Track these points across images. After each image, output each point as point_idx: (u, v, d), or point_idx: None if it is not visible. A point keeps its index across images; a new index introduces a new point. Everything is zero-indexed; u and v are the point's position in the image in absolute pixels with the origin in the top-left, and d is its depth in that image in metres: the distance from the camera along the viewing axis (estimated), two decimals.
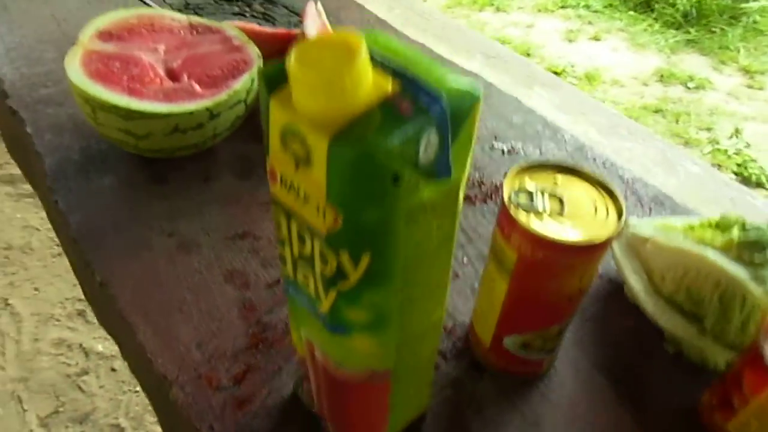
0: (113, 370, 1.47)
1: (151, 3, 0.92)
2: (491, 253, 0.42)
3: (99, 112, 0.56)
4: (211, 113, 0.59)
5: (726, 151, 2.15)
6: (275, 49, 0.73)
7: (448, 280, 0.34)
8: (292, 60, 0.24)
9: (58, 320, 1.58)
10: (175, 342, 0.49)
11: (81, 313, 1.58)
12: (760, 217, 0.61)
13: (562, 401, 0.46)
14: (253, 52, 0.65)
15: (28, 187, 1.67)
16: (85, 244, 0.56)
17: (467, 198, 0.64)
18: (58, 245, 1.74)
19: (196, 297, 0.52)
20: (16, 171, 1.61)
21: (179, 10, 0.94)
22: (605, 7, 3.06)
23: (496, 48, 1.75)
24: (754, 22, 2.85)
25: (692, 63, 2.65)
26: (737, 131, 2.23)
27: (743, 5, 2.88)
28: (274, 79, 0.27)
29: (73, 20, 0.90)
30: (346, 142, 0.24)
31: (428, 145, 0.26)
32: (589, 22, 2.92)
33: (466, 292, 0.54)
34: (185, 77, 0.61)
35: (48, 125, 0.69)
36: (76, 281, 0.66)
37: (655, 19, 2.92)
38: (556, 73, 2.55)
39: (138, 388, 1.42)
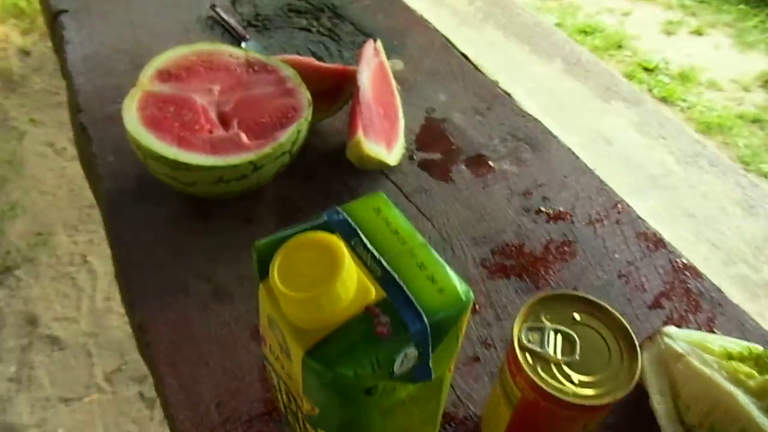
0: None
1: (223, 15, 0.93)
2: (499, 376, 0.42)
3: (149, 158, 0.59)
4: (255, 166, 0.60)
5: None
6: (331, 85, 0.73)
7: None
8: (274, 273, 0.25)
9: None
10: (197, 398, 0.52)
11: None
12: None
13: None
14: (305, 98, 0.65)
15: None
16: (129, 282, 0.60)
17: (501, 268, 0.62)
18: None
19: (222, 351, 0.55)
20: None
21: (249, 21, 0.95)
22: None
23: (579, 53, 1.65)
24: None
25: None
26: None
27: None
28: (267, 257, 0.28)
29: (149, 27, 0.93)
30: (320, 360, 0.24)
31: (405, 359, 0.25)
32: (693, 14, 2.69)
33: (484, 380, 0.53)
34: (235, 124, 0.62)
35: (111, 147, 0.73)
36: None
37: None
38: (647, 69, 2.39)
39: None
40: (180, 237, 0.64)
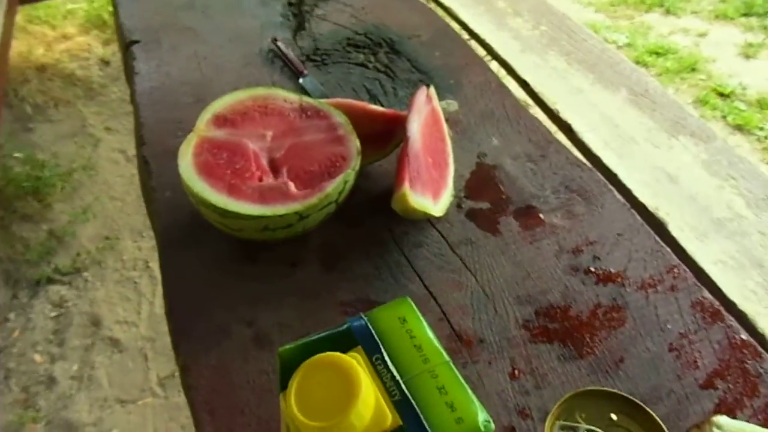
0: None
1: (283, 49, 0.95)
2: None
3: (200, 204, 0.61)
4: (301, 216, 0.61)
5: None
6: (382, 129, 0.74)
7: None
8: (291, 398, 0.25)
9: None
10: None
11: None
12: None
13: None
14: (354, 146, 0.66)
15: None
16: (176, 322, 0.62)
17: (545, 332, 0.60)
18: None
19: (258, 401, 0.56)
20: None
21: (308, 56, 0.96)
22: None
23: (646, 83, 1.59)
24: None
25: None
26: None
27: None
28: (290, 364, 0.28)
29: (212, 59, 0.97)
30: None
31: None
32: None
33: None
34: (284, 172, 0.64)
35: (169, 182, 0.76)
36: None
37: None
38: (722, 94, 2.27)
39: None
40: (226, 279, 0.66)
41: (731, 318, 0.62)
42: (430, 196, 0.67)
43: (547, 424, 0.37)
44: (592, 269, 0.66)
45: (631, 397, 0.38)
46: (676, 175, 1.32)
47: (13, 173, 2.05)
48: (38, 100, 2.38)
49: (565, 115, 1.41)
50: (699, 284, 0.64)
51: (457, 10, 1.68)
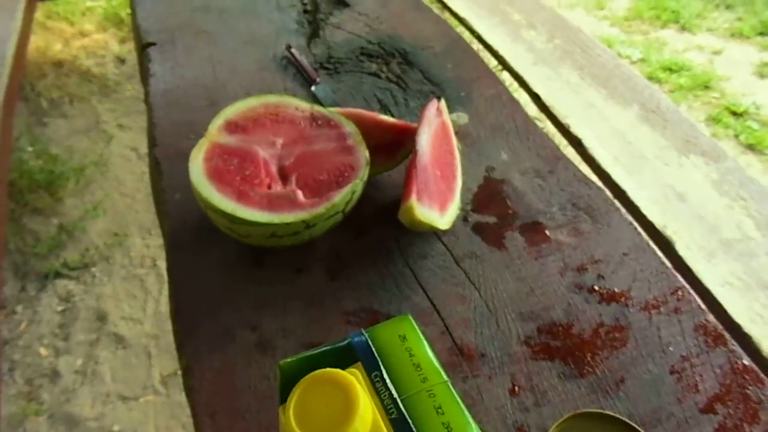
0: None
1: (297, 56, 0.96)
2: None
3: (209, 209, 0.62)
4: (307, 224, 0.62)
5: None
6: (391, 140, 0.74)
7: None
8: (290, 413, 0.25)
9: None
10: None
11: None
12: None
13: None
14: (363, 156, 0.66)
15: None
16: (181, 324, 0.63)
17: (546, 349, 0.60)
18: None
19: (259, 406, 0.56)
20: None
21: (321, 63, 0.97)
22: None
23: (658, 99, 1.59)
24: None
25: None
26: None
27: None
28: (290, 378, 0.28)
29: (227, 62, 0.98)
30: None
31: None
32: None
33: None
34: (293, 180, 0.64)
35: (180, 184, 0.77)
36: None
37: None
38: (735, 113, 2.26)
39: None
40: (231, 283, 0.66)
41: (734, 342, 0.61)
42: (437, 209, 0.67)
43: None
44: (596, 288, 0.66)
45: (630, 422, 0.38)
46: (686, 193, 1.31)
47: (26, 166, 2.08)
48: (54, 95, 2.40)
49: (576, 129, 1.41)
50: (703, 307, 0.64)
51: (472, 20, 1.69)
